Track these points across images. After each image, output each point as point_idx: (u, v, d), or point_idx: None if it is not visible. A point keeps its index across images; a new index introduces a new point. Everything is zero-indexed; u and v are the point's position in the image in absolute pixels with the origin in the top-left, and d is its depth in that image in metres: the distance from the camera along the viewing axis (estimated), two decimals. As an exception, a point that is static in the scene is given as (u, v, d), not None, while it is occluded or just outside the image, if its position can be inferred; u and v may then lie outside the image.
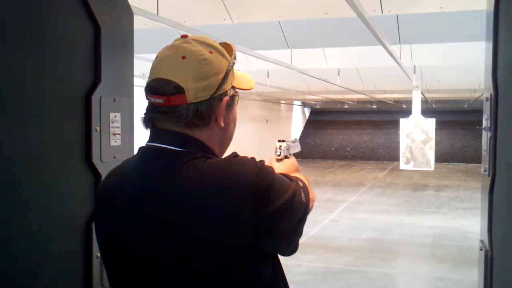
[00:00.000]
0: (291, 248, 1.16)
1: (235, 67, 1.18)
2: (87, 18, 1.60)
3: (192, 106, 1.08)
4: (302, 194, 1.15)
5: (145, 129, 1.16)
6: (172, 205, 1.04)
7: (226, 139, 1.19)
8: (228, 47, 1.17)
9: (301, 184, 1.19)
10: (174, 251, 1.04)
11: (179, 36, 1.17)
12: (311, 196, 1.24)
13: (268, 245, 1.08)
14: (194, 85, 1.07)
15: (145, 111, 1.14)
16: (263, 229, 1.03)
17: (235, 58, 1.16)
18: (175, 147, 1.09)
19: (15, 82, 1.36)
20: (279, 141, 1.47)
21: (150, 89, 1.10)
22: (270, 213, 1.04)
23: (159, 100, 1.08)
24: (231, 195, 1.01)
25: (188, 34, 1.15)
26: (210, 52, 1.11)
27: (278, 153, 1.44)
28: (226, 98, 1.13)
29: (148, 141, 1.14)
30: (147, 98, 1.12)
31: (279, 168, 1.39)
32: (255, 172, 1.04)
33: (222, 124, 1.13)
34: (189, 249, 1.03)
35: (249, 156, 1.10)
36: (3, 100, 1.32)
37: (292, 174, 1.28)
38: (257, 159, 1.10)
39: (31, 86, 1.41)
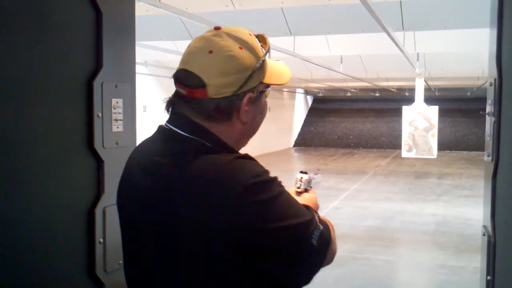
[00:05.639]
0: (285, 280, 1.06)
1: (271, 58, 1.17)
2: (88, 3, 1.59)
3: (213, 101, 1.07)
4: (315, 237, 1.05)
5: (166, 112, 1.16)
6: (171, 203, 1.04)
7: (248, 132, 1.16)
8: (263, 40, 1.16)
9: (320, 226, 1.07)
10: (162, 245, 1.06)
11: (212, 28, 1.14)
12: (332, 248, 1.11)
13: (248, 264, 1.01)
14: (216, 81, 1.06)
15: (171, 95, 1.15)
16: (245, 245, 0.99)
17: (266, 54, 1.13)
18: (186, 133, 1.09)
19: (17, 68, 1.35)
20: (301, 172, 1.36)
21: (176, 78, 1.11)
22: (255, 231, 0.98)
23: (182, 91, 1.09)
24: (207, 205, 0.99)
25: (222, 26, 1.13)
26: (240, 48, 1.09)
27: (298, 185, 1.33)
28: (250, 94, 1.10)
29: (166, 121, 1.15)
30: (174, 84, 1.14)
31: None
32: (247, 184, 0.99)
33: (245, 120, 1.11)
34: (169, 248, 1.04)
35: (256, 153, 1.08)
36: (6, 86, 1.32)
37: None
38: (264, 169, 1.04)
39: (33, 72, 1.40)
